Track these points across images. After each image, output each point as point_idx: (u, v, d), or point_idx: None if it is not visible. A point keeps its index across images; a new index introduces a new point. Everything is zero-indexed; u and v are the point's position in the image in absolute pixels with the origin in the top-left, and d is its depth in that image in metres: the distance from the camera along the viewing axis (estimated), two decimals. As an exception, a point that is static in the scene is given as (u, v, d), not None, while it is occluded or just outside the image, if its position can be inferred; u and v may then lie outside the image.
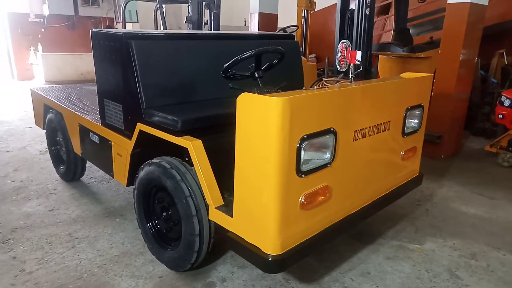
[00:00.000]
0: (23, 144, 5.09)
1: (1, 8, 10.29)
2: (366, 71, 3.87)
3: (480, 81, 5.68)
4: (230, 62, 2.19)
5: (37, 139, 5.28)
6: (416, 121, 2.69)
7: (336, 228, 2.14)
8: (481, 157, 4.77)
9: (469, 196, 3.67)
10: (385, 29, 7.49)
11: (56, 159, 3.95)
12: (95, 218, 3.15)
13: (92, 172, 4.09)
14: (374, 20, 5.01)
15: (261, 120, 1.71)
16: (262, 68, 2.27)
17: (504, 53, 5.92)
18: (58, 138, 3.82)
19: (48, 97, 3.83)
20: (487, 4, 4.46)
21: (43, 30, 10.72)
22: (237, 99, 1.78)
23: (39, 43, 10.34)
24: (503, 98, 4.56)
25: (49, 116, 3.79)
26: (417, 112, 2.65)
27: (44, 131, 4.02)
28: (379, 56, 5.84)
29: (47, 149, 4.13)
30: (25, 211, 3.27)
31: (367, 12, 3.67)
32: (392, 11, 6.46)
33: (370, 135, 2.23)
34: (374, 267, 2.55)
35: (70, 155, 3.59)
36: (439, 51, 4.59)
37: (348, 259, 2.63)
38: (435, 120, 4.44)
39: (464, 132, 5.20)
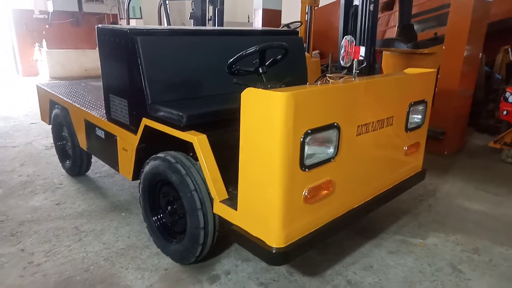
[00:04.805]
0: (29, 140, 5.14)
1: (6, 4, 10.35)
2: (370, 67, 3.86)
3: (485, 77, 5.66)
4: (235, 57, 2.21)
5: (42, 135, 5.34)
6: (420, 116, 2.70)
7: (339, 222, 2.17)
8: (485, 154, 4.76)
9: (473, 192, 3.68)
10: (389, 25, 7.45)
11: (62, 154, 3.99)
12: (101, 212, 3.19)
13: (98, 167, 4.13)
14: (378, 16, 5.01)
15: (265, 115, 1.73)
16: (266, 64, 2.28)
17: (509, 49, 5.88)
18: (64, 133, 3.86)
19: (54, 92, 3.86)
20: (492, 0, 4.44)
21: (47, 26, 10.78)
22: (241, 94, 1.80)
23: (44, 40, 10.39)
24: (507, 95, 4.55)
25: (55, 111, 3.82)
26: (420, 107, 2.66)
27: (50, 126, 4.07)
28: (383, 52, 5.83)
29: (53, 144, 4.18)
30: (32, 205, 3.32)
31: (371, 8, 3.66)
32: (396, 7, 6.43)
33: (373, 130, 2.25)
34: (376, 261, 2.58)
35: (76, 150, 3.63)
36: (443, 47, 4.58)
37: (351, 253, 2.65)
38: (439, 116, 4.44)
39: (468, 129, 5.19)
